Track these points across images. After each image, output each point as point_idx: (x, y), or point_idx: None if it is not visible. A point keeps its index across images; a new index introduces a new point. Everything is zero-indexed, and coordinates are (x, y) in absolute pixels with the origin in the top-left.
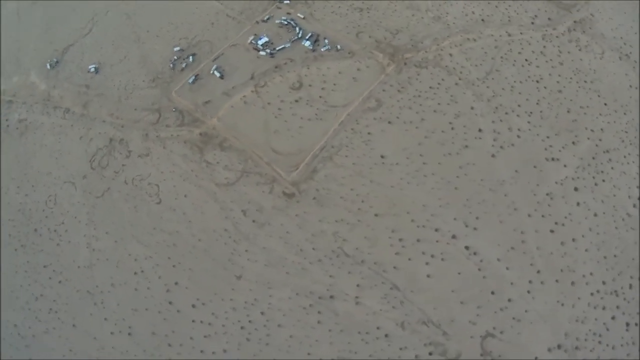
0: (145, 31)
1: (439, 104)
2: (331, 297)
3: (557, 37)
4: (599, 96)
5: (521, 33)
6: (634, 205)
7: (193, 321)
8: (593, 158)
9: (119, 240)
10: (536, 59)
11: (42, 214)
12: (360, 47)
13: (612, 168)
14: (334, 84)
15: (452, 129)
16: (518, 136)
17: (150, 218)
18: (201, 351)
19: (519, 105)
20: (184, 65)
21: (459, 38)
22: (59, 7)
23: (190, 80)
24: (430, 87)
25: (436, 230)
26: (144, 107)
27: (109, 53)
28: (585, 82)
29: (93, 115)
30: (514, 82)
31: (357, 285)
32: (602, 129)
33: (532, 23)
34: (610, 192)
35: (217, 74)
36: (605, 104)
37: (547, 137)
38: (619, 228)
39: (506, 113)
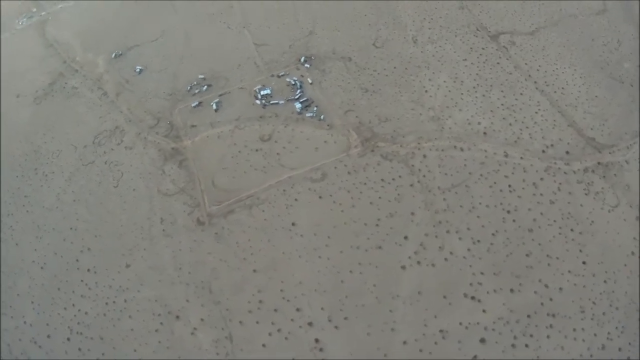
0: (190, 54)
1: (380, 197)
2: (177, 317)
3: (565, 173)
4: (580, 251)
5: (522, 157)
6: None
7: (82, 280)
8: (528, 316)
9: (76, 200)
10: (523, 188)
11: (46, 160)
12: (341, 124)
13: (547, 336)
14: (296, 147)
15: (377, 225)
16: (446, 259)
17: (103, 194)
18: (73, 304)
19: (468, 229)
20: (197, 90)
21: (446, 144)
22: (149, 10)
23: (193, 105)
24: (382, 180)
25: (297, 309)
26: (151, 112)
27: (156, 62)
28: (571, 230)
29: (118, 104)
30: (479, 203)
31: (202, 319)
32: (560, 289)
33: (543, 152)
34: None
35: (214, 107)
36: (584, 263)
37: (482, 273)
38: None
39: (447, 231)
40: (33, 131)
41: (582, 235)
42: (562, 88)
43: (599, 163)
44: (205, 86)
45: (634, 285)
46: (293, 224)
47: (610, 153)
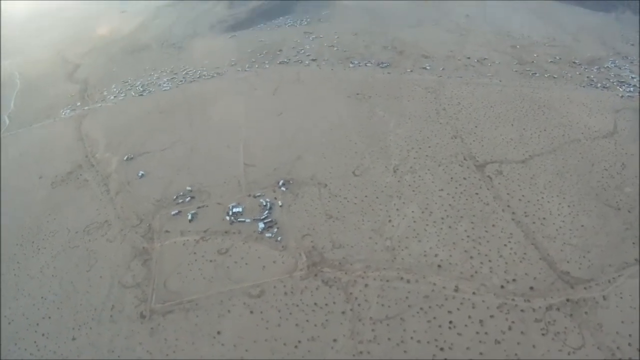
0: (188, 167)
1: (307, 320)
2: None
3: (522, 310)
4: None
5: (474, 293)
6: None
7: (35, 342)
8: None
9: (54, 276)
10: (466, 325)
11: (43, 236)
12: (295, 246)
13: None
14: (246, 263)
15: (296, 347)
16: None
17: (76, 274)
18: (30, 353)
19: None
20: (181, 200)
21: (393, 274)
22: (169, 122)
23: (173, 213)
24: (315, 304)
25: None
26: (137, 213)
27: (158, 169)
28: None
29: (115, 202)
30: (410, 338)
31: None
32: None
33: (502, 287)
34: None
35: (190, 217)
36: None
37: None
38: None
39: None
40: (42, 210)
41: None
42: (544, 218)
43: (567, 300)
44: (189, 197)
45: None
46: (219, 333)
47: (585, 288)
